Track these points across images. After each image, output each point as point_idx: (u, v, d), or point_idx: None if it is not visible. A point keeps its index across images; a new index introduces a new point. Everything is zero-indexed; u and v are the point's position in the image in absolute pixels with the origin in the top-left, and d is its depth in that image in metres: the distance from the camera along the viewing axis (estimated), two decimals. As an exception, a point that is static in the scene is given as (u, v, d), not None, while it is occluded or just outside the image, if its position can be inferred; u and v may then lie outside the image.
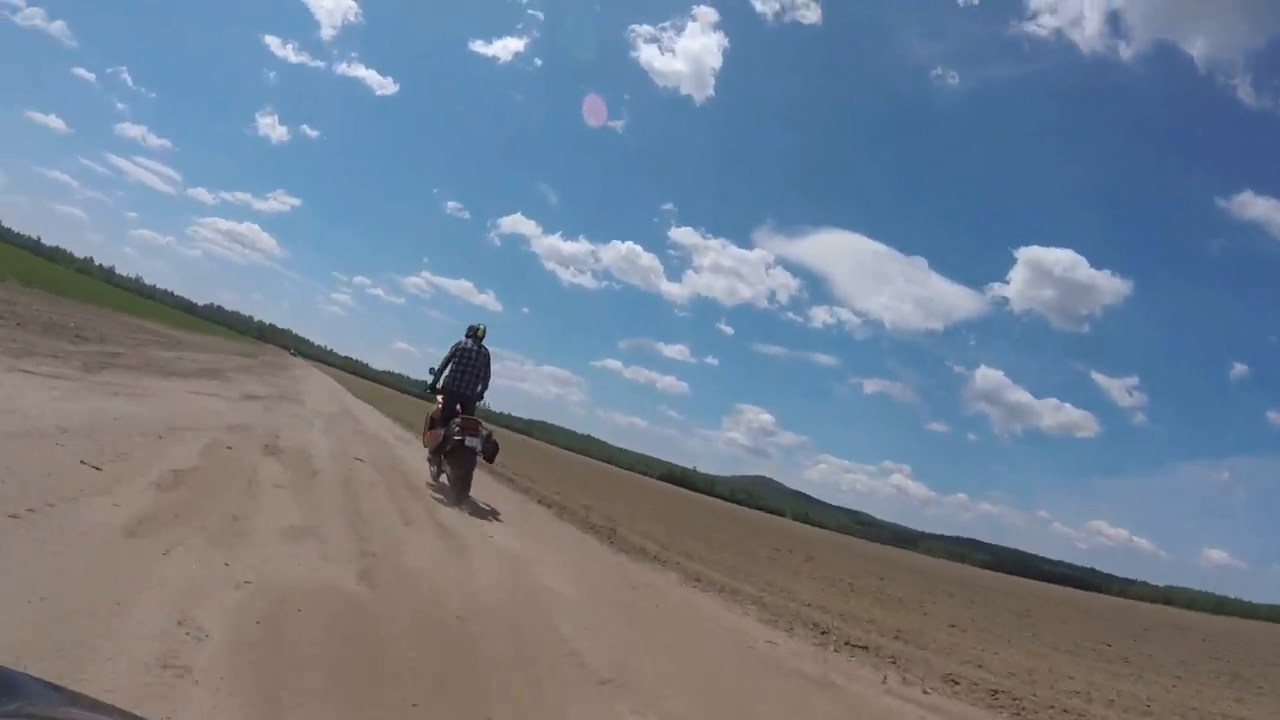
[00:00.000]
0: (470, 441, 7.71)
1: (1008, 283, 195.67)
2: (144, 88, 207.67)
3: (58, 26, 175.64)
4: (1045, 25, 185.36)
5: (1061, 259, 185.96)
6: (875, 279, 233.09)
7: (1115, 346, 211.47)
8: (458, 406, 8.31)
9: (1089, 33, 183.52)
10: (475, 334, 8.65)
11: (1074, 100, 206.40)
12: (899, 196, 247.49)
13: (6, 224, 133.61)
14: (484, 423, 8.22)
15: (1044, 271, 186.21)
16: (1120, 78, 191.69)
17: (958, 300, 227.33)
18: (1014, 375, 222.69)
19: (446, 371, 8.51)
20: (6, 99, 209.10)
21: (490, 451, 8.19)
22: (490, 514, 8.00)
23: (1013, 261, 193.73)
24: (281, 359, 53.19)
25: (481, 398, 8.63)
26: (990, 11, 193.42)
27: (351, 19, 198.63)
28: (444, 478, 8.51)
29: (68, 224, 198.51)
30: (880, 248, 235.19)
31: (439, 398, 8.65)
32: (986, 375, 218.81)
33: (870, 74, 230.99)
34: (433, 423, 8.74)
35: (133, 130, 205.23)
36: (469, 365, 8.46)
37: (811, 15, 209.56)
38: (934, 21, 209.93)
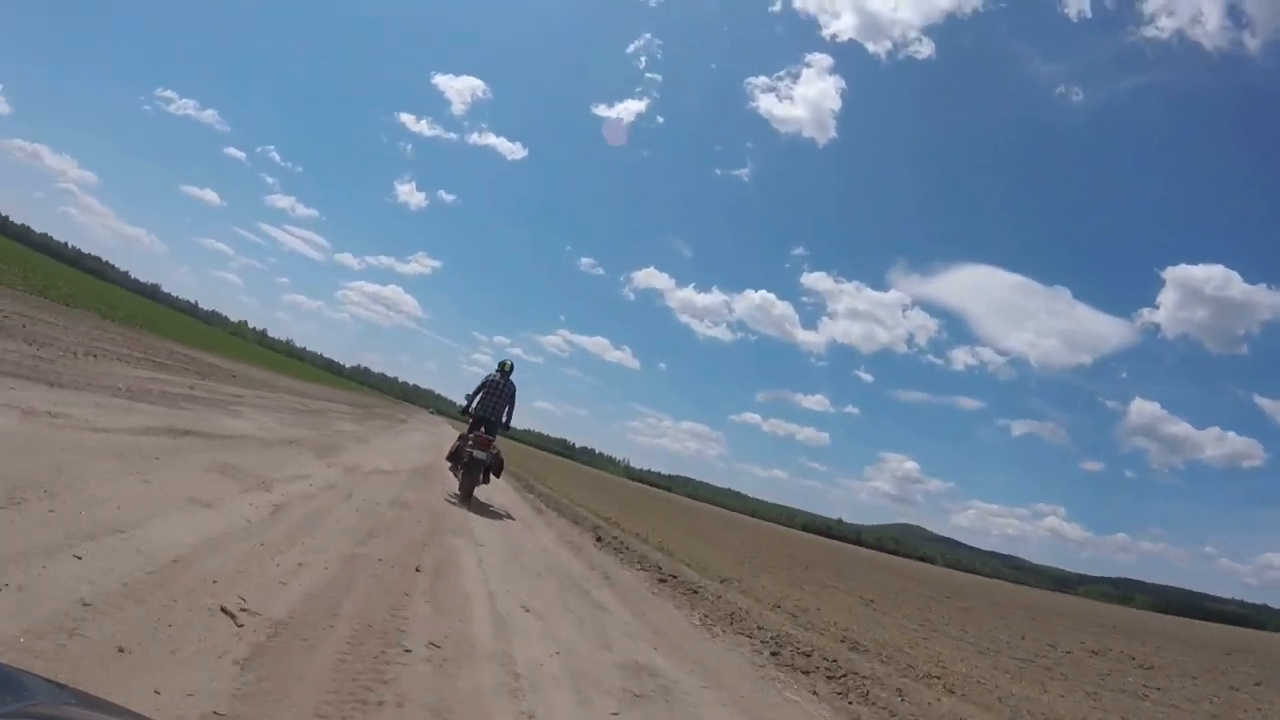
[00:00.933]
0: (478, 455, 8.92)
1: (1157, 307, 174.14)
2: (291, 163, 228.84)
3: (209, 114, 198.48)
4: (1164, 27, 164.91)
5: (1212, 276, 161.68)
6: (1017, 314, 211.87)
7: (1278, 366, 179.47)
8: (482, 429, 9.22)
9: (1210, 28, 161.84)
10: (504, 369, 9.81)
11: (1203, 101, 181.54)
12: (1034, 223, 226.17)
13: (166, 289, 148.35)
14: (494, 442, 9.20)
15: (1194, 291, 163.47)
16: (1248, 71, 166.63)
17: (1106, 330, 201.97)
18: (1171, 406, 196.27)
19: (477, 399, 9.54)
20: (164, 177, 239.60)
21: (496, 466, 9.52)
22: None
23: (1161, 283, 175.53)
24: (406, 413, 49.43)
25: (507, 426, 9.69)
26: (1106, 21, 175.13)
27: (480, 94, 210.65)
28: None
29: (224, 289, 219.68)
30: (1019, 280, 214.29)
31: (469, 420, 9.61)
32: (1142, 408, 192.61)
33: (991, 101, 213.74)
34: (460, 439, 9.53)
35: (282, 201, 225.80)
36: (495, 395, 9.55)
37: (925, 50, 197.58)
38: (1050, 40, 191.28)
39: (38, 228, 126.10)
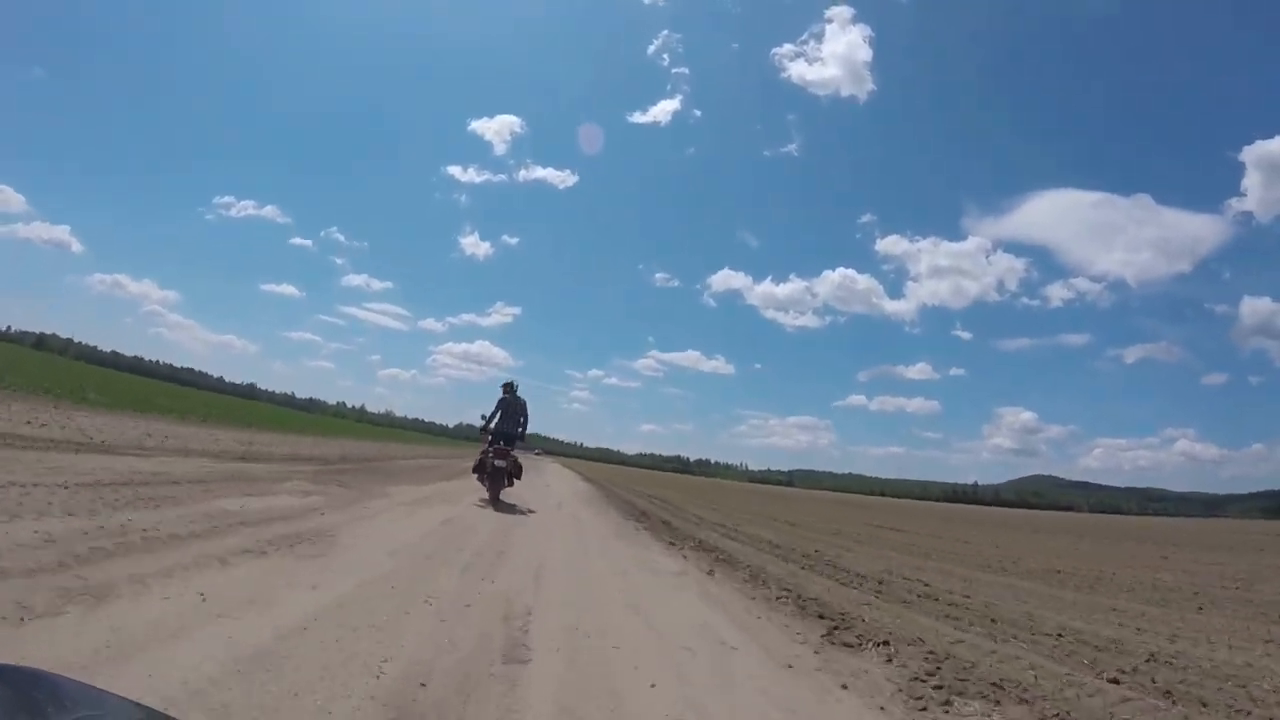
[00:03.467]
0: (499, 463, 10.82)
1: (1244, 194, 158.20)
2: (356, 241, 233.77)
3: (270, 210, 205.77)
4: None
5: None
6: (1103, 233, 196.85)
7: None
8: (500, 442, 11.04)
9: None
10: (512, 389, 11.54)
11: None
12: (1096, 132, 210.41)
13: (263, 386, 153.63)
14: (510, 452, 11.04)
15: (1277, 166, 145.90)
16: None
17: (1197, 230, 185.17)
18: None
19: (495, 418, 11.28)
20: (243, 279, 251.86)
21: (516, 471, 11.23)
22: None
23: (1241, 167, 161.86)
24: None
25: (523, 437, 11.52)
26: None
27: (517, 130, 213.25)
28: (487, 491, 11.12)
29: (321, 376, 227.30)
30: (1097, 196, 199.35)
31: (488, 437, 11.29)
32: (1254, 307, 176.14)
33: (1018, 4, 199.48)
34: (482, 453, 11.34)
35: (355, 279, 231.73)
36: (510, 413, 11.38)
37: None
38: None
39: (129, 352, 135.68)
